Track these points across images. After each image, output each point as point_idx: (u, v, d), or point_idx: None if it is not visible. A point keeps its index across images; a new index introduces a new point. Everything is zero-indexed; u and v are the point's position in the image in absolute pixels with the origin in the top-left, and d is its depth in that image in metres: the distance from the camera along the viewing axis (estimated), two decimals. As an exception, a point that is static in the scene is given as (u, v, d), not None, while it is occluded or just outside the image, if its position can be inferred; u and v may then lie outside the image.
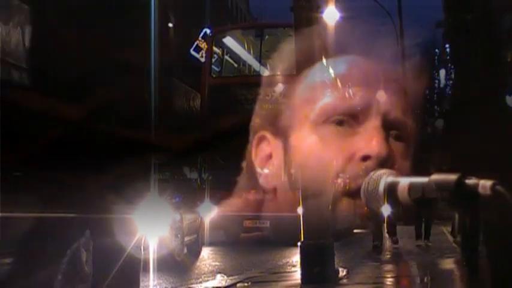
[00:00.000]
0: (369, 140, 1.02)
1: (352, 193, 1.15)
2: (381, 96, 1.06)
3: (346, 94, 1.09)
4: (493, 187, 1.03)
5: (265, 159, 1.25)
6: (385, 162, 1.01)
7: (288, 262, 9.31)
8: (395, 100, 1.06)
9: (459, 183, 1.05)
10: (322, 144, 1.08)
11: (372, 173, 1.16)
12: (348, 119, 1.06)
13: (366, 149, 1.03)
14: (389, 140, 1.05)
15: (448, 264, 8.05)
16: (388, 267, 8.12)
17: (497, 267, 2.25)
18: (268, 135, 1.19)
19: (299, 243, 5.90)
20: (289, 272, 7.73)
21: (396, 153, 1.06)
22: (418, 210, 9.91)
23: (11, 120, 6.28)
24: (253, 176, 1.49)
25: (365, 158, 1.03)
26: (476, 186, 1.05)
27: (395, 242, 10.73)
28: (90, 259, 7.31)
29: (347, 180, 1.09)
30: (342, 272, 6.69)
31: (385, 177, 1.13)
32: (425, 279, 6.45)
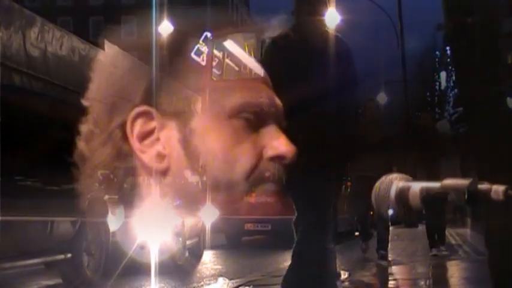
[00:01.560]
0: (273, 141, 1.02)
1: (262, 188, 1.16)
2: (277, 99, 1.08)
3: (262, 93, 1.09)
4: (505, 192, 1.03)
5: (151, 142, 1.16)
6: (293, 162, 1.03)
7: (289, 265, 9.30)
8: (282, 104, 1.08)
9: (471, 188, 1.05)
10: (228, 139, 1.08)
11: (383, 177, 1.16)
12: (253, 118, 1.06)
13: (274, 148, 1.04)
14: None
15: (451, 266, 8.05)
16: (390, 269, 8.11)
17: (498, 269, 2.25)
18: (154, 111, 1.11)
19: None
20: (290, 275, 7.71)
21: None
22: (428, 216, 9.74)
23: (13, 124, 6.29)
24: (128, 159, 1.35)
25: (273, 158, 1.04)
26: (489, 191, 1.04)
27: (383, 257, 8.61)
28: (91, 263, 7.33)
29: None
30: (344, 275, 6.68)
31: (396, 182, 1.13)
32: (427, 282, 6.44)
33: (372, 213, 9.87)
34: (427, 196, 1.08)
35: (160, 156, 1.19)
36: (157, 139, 1.18)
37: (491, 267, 2.36)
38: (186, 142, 1.16)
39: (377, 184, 1.15)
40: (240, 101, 1.20)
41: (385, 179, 1.15)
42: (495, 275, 2.24)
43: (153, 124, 1.18)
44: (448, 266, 8.35)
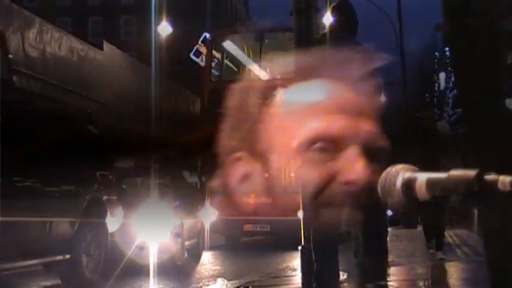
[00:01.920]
0: (350, 165, 1.03)
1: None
2: (363, 123, 1.07)
3: (328, 121, 1.09)
4: None
5: (241, 180, 1.26)
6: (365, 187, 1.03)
7: (288, 266, 9.30)
8: (371, 126, 1.07)
9: (478, 179, 1.04)
10: (304, 170, 1.10)
11: (389, 168, 1.15)
12: (329, 146, 1.07)
13: (347, 174, 1.04)
14: (371, 166, 1.07)
15: (450, 267, 8.04)
16: (389, 270, 8.12)
17: (496, 269, 2.25)
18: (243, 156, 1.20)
19: (299, 247, 5.89)
20: (289, 276, 7.72)
21: (375, 175, 1.08)
22: (426, 218, 9.68)
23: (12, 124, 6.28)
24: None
25: (346, 184, 1.04)
26: (495, 182, 1.04)
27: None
28: (90, 264, 7.33)
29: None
30: (343, 276, 6.68)
31: (402, 173, 1.13)
32: (426, 283, 6.44)
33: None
34: (434, 190, 1.07)
35: (248, 189, 1.28)
36: (247, 178, 1.27)
37: (490, 267, 2.36)
38: (267, 177, 1.24)
39: (383, 175, 1.15)
40: (311, 134, 1.19)
41: (391, 170, 1.14)
42: (494, 276, 2.24)
43: (245, 166, 1.26)
44: (447, 267, 8.35)
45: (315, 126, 1.19)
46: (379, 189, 1.11)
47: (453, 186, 1.04)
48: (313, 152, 1.19)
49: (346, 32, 5.38)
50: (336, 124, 1.19)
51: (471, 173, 1.02)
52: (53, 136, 7.16)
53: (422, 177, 1.08)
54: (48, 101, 8.76)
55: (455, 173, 1.04)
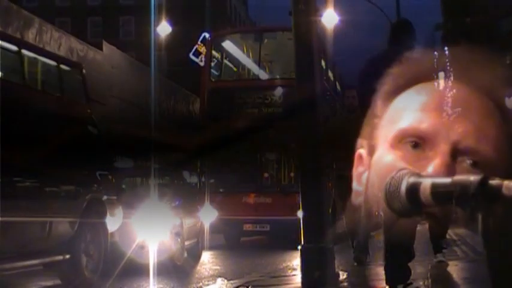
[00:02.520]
0: (431, 163, 1.05)
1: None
2: (456, 124, 1.09)
3: (423, 119, 1.11)
4: None
5: (359, 176, 1.30)
6: None
7: (288, 266, 9.30)
8: (471, 128, 1.08)
9: (483, 183, 1.04)
10: (395, 164, 1.11)
11: (394, 173, 1.15)
12: (421, 143, 1.09)
13: (426, 171, 1.06)
14: (463, 167, 1.08)
15: (450, 266, 8.04)
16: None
17: (497, 268, 2.25)
18: (363, 152, 1.24)
19: (299, 247, 5.89)
20: (289, 275, 7.72)
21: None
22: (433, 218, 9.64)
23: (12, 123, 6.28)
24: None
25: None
26: (500, 186, 1.04)
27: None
28: (90, 264, 7.33)
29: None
30: (342, 276, 6.68)
31: (407, 177, 1.13)
32: (425, 283, 6.44)
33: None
34: (439, 194, 1.07)
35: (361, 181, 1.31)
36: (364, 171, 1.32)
37: (490, 267, 2.36)
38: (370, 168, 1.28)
39: (388, 180, 1.15)
40: (402, 128, 1.22)
41: (395, 175, 1.14)
42: (494, 275, 2.24)
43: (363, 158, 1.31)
44: (447, 266, 8.35)
45: (409, 121, 1.22)
46: (383, 194, 1.11)
47: (458, 191, 1.04)
48: (405, 146, 1.21)
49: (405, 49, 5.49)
50: (428, 121, 1.21)
51: (476, 177, 1.02)
52: (53, 136, 7.16)
53: (426, 182, 1.07)
54: (48, 100, 8.75)
55: (460, 177, 1.04)
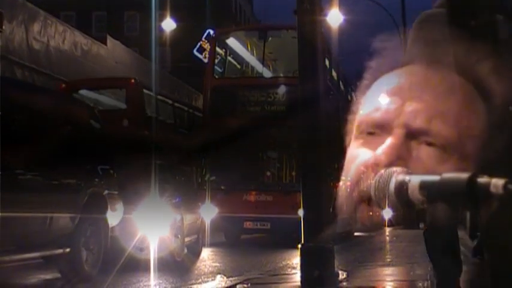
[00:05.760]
0: (383, 144, 1.05)
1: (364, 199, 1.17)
2: (407, 106, 1.09)
3: (378, 107, 1.12)
4: (505, 186, 1.02)
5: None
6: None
7: (288, 264, 9.31)
8: (422, 108, 1.08)
9: (471, 181, 1.05)
10: (356, 152, 1.12)
11: (382, 171, 1.15)
12: (377, 131, 1.09)
13: (373, 157, 1.06)
14: (418, 148, 1.08)
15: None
16: (388, 270, 8.12)
17: (498, 271, 2.25)
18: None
19: (299, 246, 5.89)
20: (289, 274, 7.73)
21: (427, 158, 1.09)
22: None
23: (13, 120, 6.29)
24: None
25: (373, 166, 1.06)
26: (488, 185, 1.04)
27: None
28: (90, 258, 7.34)
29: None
30: (342, 275, 6.68)
31: (395, 175, 1.13)
32: (425, 284, 6.44)
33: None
34: (427, 192, 1.07)
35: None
36: None
37: (491, 269, 2.36)
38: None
39: (376, 178, 1.15)
40: (359, 119, 1.24)
41: (384, 172, 1.15)
42: (495, 277, 2.24)
43: None
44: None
45: (366, 111, 1.24)
46: (372, 192, 1.12)
47: (446, 189, 1.04)
48: (363, 136, 1.22)
49: None
50: (382, 109, 1.22)
51: (464, 175, 1.03)
52: (55, 130, 7.17)
53: (415, 180, 1.08)
54: (50, 94, 8.77)
55: (448, 175, 1.05)
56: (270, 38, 16.28)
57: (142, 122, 14.02)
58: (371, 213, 1.23)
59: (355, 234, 18.15)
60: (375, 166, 1.19)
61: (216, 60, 15.70)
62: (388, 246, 11.38)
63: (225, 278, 7.46)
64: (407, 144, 1.21)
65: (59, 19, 19.66)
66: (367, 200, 1.18)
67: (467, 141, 1.21)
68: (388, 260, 9.80)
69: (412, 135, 1.22)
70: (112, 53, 22.29)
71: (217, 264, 10.03)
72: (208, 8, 35.58)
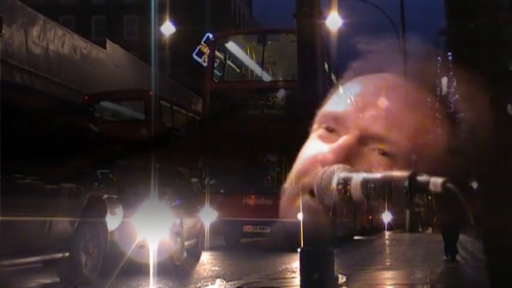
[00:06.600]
0: (336, 142, 1.07)
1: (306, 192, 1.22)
2: (368, 111, 1.10)
3: (339, 105, 1.13)
4: (443, 184, 1.04)
5: None
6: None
7: (287, 268, 9.30)
8: (382, 116, 1.08)
9: (411, 179, 1.06)
10: (313, 145, 1.14)
11: (325, 168, 1.16)
12: (335, 128, 1.11)
13: (321, 153, 1.08)
14: (373, 155, 1.09)
15: (450, 272, 8.04)
16: (388, 274, 8.11)
17: (497, 275, 2.25)
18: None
19: (299, 249, 5.88)
20: (288, 278, 7.72)
21: (380, 167, 1.10)
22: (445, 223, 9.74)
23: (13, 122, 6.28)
24: None
25: (320, 162, 1.08)
26: (427, 183, 1.05)
27: None
28: (89, 262, 7.33)
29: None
30: (342, 279, 6.67)
31: (338, 172, 1.14)
32: (424, 287, 6.44)
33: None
34: (369, 189, 1.08)
35: None
36: None
37: (490, 273, 2.36)
38: None
39: (319, 174, 1.16)
40: (320, 114, 1.26)
41: (327, 170, 1.16)
42: (494, 281, 2.23)
43: None
44: (447, 272, 8.34)
45: (327, 107, 1.26)
46: (315, 189, 1.13)
47: (387, 186, 1.05)
48: (321, 130, 1.24)
49: None
50: (341, 107, 1.23)
51: (404, 173, 1.04)
52: (54, 134, 7.17)
53: (357, 177, 1.09)
54: (49, 98, 8.77)
55: (390, 173, 1.05)
56: (269, 42, 16.29)
57: (159, 132, 14.82)
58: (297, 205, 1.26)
59: (355, 237, 18.15)
60: (321, 162, 1.20)
61: (215, 64, 15.70)
62: (387, 249, 11.37)
63: (224, 282, 7.44)
64: (358, 148, 1.23)
65: (58, 23, 19.67)
66: (308, 191, 1.19)
67: (420, 159, 1.22)
68: (388, 263, 9.79)
69: (366, 139, 1.23)
70: (111, 56, 22.30)
71: (217, 268, 10.02)
72: (207, 11, 35.60)
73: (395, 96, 1.30)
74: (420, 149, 1.25)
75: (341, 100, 1.30)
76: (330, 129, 1.25)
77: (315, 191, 1.16)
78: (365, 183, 1.10)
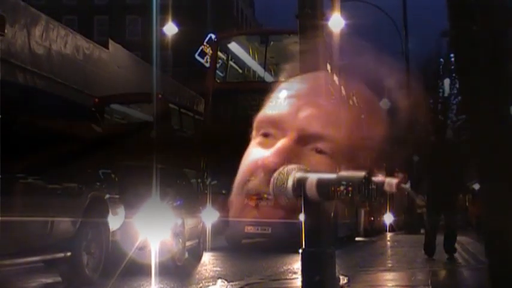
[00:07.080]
0: (274, 146, 1.08)
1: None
2: (302, 111, 1.10)
3: (276, 108, 1.14)
4: (398, 185, 1.06)
5: None
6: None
7: (288, 269, 9.30)
8: (316, 115, 1.09)
9: (366, 180, 1.08)
10: (252, 151, 1.16)
11: (281, 168, 1.18)
12: (272, 132, 1.13)
13: (262, 158, 1.10)
14: (308, 154, 1.11)
15: (451, 274, 8.03)
16: (389, 275, 8.11)
17: (498, 276, 2.25)
18: None
19: (300, 251, 5.88)
20: (289, 279, 7.72)
21: (318, 165, 1.12)
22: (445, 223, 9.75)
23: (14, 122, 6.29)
24: None
25: (262, 166, 1.10)
26: (382, 183, 1.08)
27: None
28: (91, 262, 7.33)
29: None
30: (343, 280, 6.67)
31: (294, 172, 1.16)
32: (426, 289, 6.44)
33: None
34: (324, 189, 1.10)
35: None
36: None
37: (492, 274, 2.36)
38: None
39: (275, 175, 1.18)
40: (257, 119, 1.28)
41: (282, 170, 1.18)
42: (495, 283, 2.24)
43: None
44: (448, 274, 8.34)
45: (264, 111, 1.27)
46: (271, 188, 1.14)
47: (342, 187, 1.07)
48: (259, 136, 1.26)
49: None
50: (277, 110, 1.25)
51: (360, 174, 1.05)
52: (56, 134, 7.17)
53: (313, 177, 1.10)
54: (51, 98, 8.77)
55: (345, 174, 1.07)
56: (271, 43, 16.29)
57: (168, 134, 15.06)
58: (257, 208, 1.28)
59: (356, 239, 18.13)
60: (262, 167, 1.23)
61: (218, 65, 15.70)
62: (389, 251, 11.36)
63: (225, 282, 7.44)
64: (297, 148, 1.24)
65: (61, 23, 19.69)
66: (254, 196, 1.22)
67: (359, 152, 1.23)
68: (389, 265, 9.78)
69: (304, 139, 1.24)
70: (114, 57, 22.32)
71: (218, 269, 10.03)
72: (209, 12, 35.61)
73: (329, 93, 1.32)
74: (359, 143, 1.26)
75: (276, 103, 1.31)
76: (266, 135, 1.27)
77: (271, 191, 1.18)
78: (320, 182, 1.12)
